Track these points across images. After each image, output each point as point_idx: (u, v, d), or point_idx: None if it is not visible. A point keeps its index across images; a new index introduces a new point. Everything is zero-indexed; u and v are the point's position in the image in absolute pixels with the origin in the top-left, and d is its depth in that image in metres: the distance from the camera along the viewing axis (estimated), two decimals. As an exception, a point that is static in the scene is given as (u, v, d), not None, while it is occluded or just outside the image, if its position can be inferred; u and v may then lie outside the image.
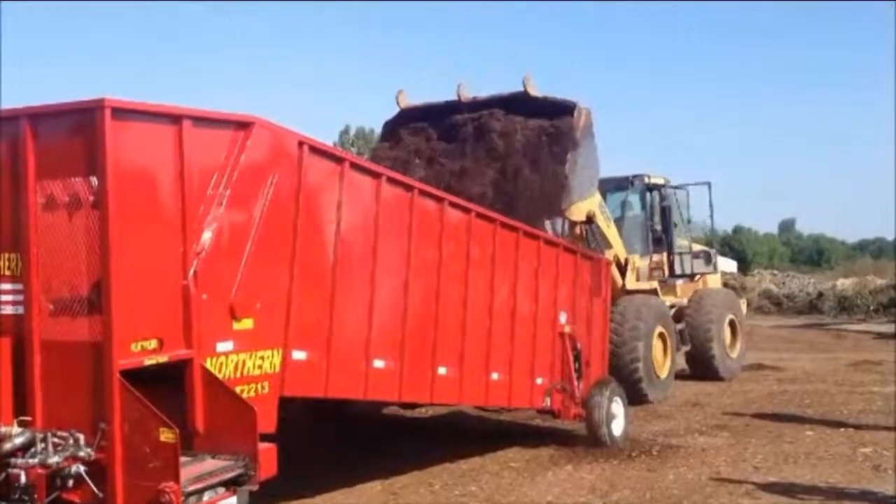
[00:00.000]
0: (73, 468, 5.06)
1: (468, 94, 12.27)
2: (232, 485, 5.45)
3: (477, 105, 12.19)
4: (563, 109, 11.72)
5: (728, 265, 44.21)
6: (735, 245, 65.60)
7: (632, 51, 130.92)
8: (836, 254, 76.00)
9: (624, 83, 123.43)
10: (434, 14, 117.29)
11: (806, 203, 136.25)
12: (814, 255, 76.94)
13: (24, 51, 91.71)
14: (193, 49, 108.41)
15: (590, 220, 12.81)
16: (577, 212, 12.44)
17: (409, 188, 7.87)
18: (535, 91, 11.82)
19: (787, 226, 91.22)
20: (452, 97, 12.38)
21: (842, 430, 11.16)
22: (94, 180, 5.18)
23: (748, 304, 34.51)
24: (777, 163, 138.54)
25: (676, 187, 16.28)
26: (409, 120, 12.68)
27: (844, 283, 37.29)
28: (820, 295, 35.32)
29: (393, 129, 12.88)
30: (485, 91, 12.44)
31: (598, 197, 13.05)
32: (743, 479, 8.73)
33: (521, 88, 11.82)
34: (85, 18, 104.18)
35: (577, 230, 13.00)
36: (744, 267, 50.56)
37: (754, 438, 10.75)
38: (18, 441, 5.13)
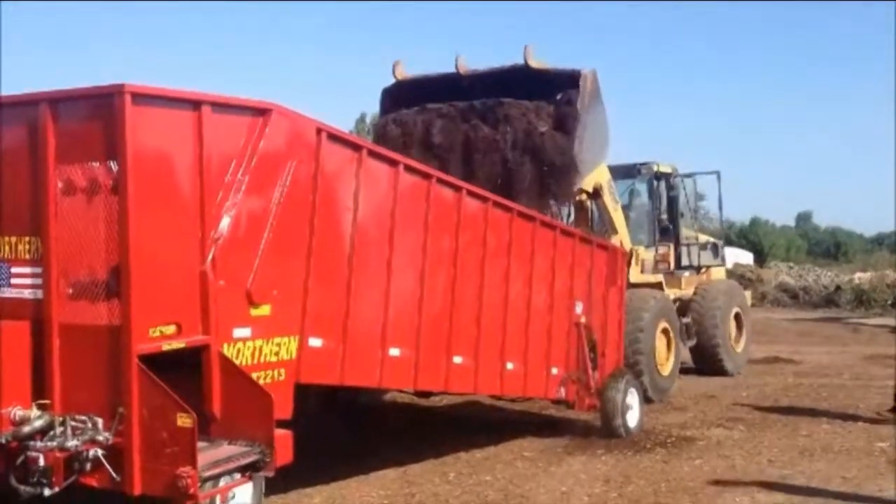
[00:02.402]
0: (91, 452, 5.11)
1: (467, 66, 11.86)
2: (248, 471, 5.49)
3: (477, 78, 11.74)
4: (567, 79, 11.34)
5: (744, 257, 44.20)
6: (752, 237, 65.38)
7: (649, 39, 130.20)
8: (854, 247, 75.75)
9: (639, 72, 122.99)
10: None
11: (823, 196, 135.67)
12: (831, 248, 76.70)
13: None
14: (205, 35, 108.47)
15: (597, 192, 12.41)
16: (585, 183, 12.03)
17: (426, 176, 7.85)
18: (537, 63, 11.40)
19: (804, 218, 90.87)
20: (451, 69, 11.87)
21: (858, 424, 11.09)
22: (113, 165, 5.20)
23: (764, 297, 34.50)
24: (795, 155, 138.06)
25: (685, 176, 15.89)
26: (407, 93, 12.16)
27: (861, 277, 37.08)
28: (837, 288, 35.10)
29: (392, 103, 12.32)
30: (484, 63, 12.05)
31: (607, 171, 12.67)
32: (759, 472, 8.69)
33: (522, 61, 11.33)
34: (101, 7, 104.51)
35: (582, 204, 12.64)
36: (760, 259, 50.48)
37: (770, 432, 10.70)
38: (37, 424, 5.18)
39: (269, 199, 6.08)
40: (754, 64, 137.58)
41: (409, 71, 12.49)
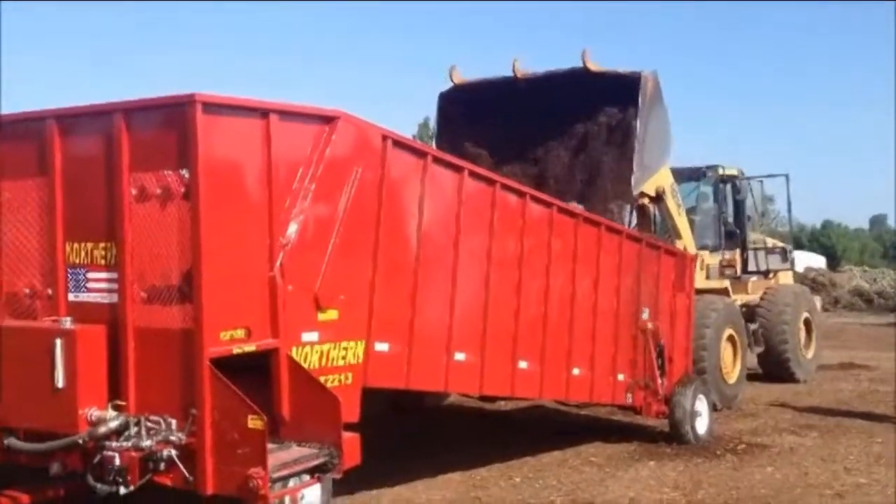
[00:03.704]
0: (165, 452, 5.20)
1: (524, 70, 11.82)
2: (317, 472, 5.55)
3: (534, 82, 11.73)
4: (627, 82, 11.21)
5: (816, 261, 43.19)
6: (824, 241, 63.97)
7: (721, 37, 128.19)
8: (931, 250, 73.49)
9: (708, 73, 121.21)
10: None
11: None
12: (906, 251, 74.52)
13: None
14: (275, 39, 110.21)
15: (659, 196, 12.19)
16: (646, 186, 11.79)
17: (491, 182, 7.86)
18: (595, 66, 11.29)
19: (878, 221, 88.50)
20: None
21: (937, 432, 10.77)
22: (184, 173, 5.31)
23: (837, 302, 33.69)
24: (869, 156, 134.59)
25: (752, 179, 15.55)
26: (464, 97, 12.27)
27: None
28: (914, 292, 34.10)
29: (449, 108, 12.49)
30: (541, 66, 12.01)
31: (670, 175, 12.47)
32: (833, 479, 8.50)
33: (580, 64, 11.26)
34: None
35: (644, 208, 12.47)
36: (833, 263, 49.29)
37: (844, 438, 10.45)
38: (113, 425, 5.30)
39: (336, 205, 6.16)
40: (824, 64, 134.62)
41: (465, 75, 12.54)
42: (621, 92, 11.20)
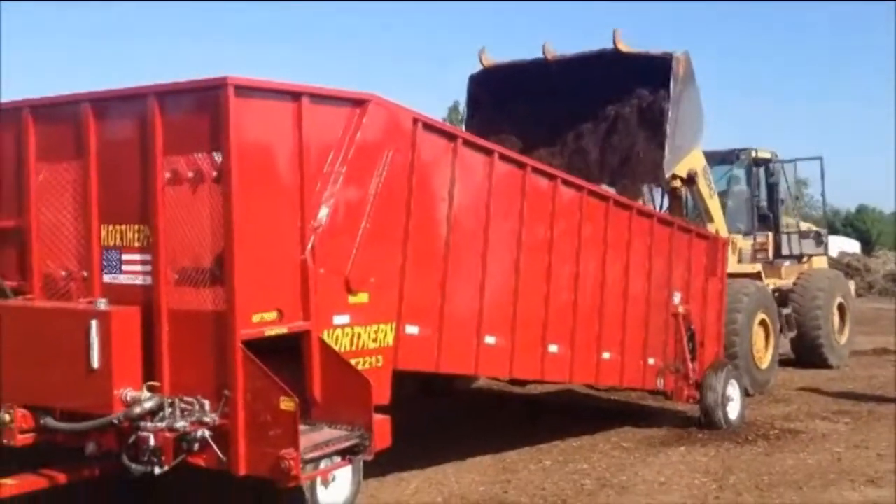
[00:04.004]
0: (199, 433, 5.25)
1: (555, 52, 11.78)
2: (348, 454, 5.57)
3: (565, 64, 11.69)
4: (658, 63, 11.13)
5: (850, 245, 42.68)
6: (858, 225, 63.21)
7: (757, 18, 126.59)
8: (968, 235, 72.36)
9: (745, 52, 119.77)
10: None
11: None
12: (943, 236, 73.43)
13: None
14: (302, 22, 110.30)
15: (691, 179, 12.11)
16: (678, 168, 11.72)
17: (521, 165, 7.84)
18: (626, 47, 11.23)
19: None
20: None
21: (973, 418, 10.63)
22: (217, 156, 5.34)
23: (871, 287, 33.26)
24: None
25: (786, 162, 15.30)
26: (494, 79, 12.27)
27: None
28: (950, 278, 33.57)
29: (479, 90, 12.53)
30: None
31: (702, 157, 12.37)
32: (867, 466, 8.43)
33: (611, 46, 11.21)
34: None
35: (676, 191, 12.38)
36: (867, 248, 48.69)
37: (878, 425, 10.36)
38: (148, 405, 5.35)
39: (367, 188, 6.17)
40: (858, 45, 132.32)
41: (495, 58, 12.50)
42: (653, 73, 11.11)
